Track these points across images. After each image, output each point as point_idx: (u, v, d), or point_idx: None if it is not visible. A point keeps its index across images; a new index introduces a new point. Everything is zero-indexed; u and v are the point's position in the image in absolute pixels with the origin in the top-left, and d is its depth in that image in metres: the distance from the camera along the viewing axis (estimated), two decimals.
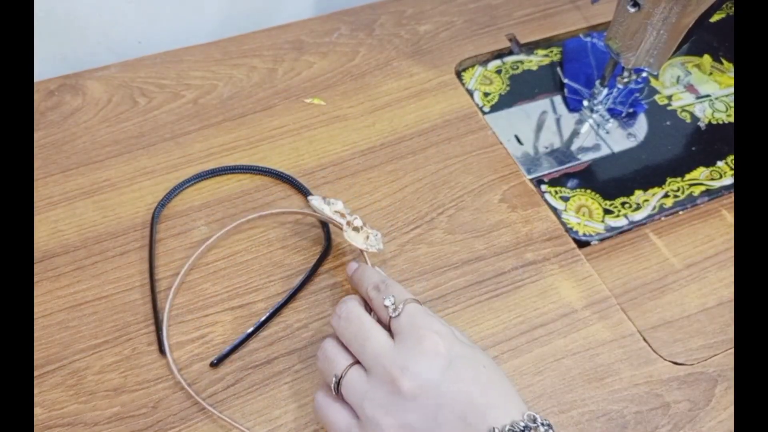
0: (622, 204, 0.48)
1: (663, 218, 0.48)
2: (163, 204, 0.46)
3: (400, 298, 0.34)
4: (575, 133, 0.53)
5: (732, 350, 0.41)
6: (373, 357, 0.32)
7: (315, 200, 0.42)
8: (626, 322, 0.42)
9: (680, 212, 0.48)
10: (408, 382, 0.31)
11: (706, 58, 0.58)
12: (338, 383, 0.33)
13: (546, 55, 0.58)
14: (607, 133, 0.53)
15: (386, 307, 0.34)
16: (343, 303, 0.35)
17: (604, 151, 0.52)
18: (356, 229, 0.41)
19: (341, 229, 0.41)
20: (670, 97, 0.55)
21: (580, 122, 0.54)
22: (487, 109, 0.54)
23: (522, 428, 0.30)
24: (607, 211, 0.48)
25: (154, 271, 0.42)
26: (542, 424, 0.30)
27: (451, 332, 0.33)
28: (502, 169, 0.49)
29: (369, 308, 0.36)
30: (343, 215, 0.41)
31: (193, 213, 0.46)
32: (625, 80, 0.50)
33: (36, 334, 0.40)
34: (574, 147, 0.52)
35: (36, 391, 0.38)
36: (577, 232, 0.46)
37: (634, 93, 0.55)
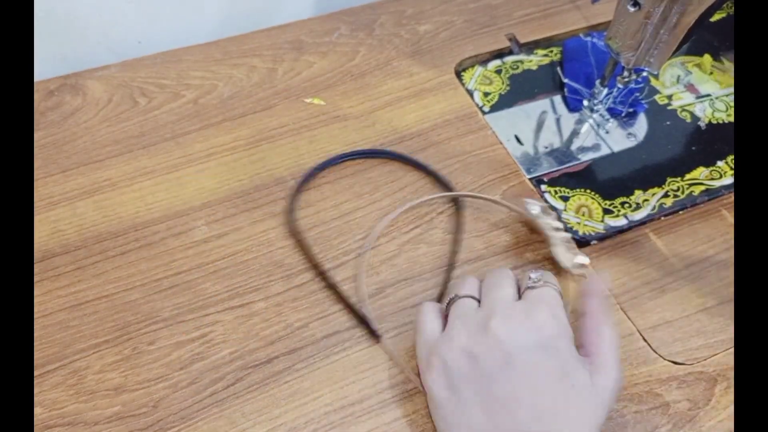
0: (622, 204, 0.48)
1: (663, 218, 0.48)
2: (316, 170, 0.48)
3: (546, 279, 0.36)
4: (575, 133, 0.53)
5: (731, 350, 0.41)
6: (491, 298, 0.35)
7: (534, 207, 0.44)
8: (626, 322, 0.42)
9: (680, 212, 0.48)
10: (497, 324, 0.33)
11: (707, 58, 0.58)
12: (453, 299, 0.36)
13: (546, 55, 0.58)
14: (607, 132, 0.53)
15: (530, 278, 0.36)
16: (496, 269, 0.39)
17: (604, 151, 0.52)
18: (567, 248, 0.42)
19: (551, 242, 0.43)
20: (670, 97, 0.55)
21: (580, 122, 0.54)
22: (487, 109, 0.54)
23: None
24: (606, 211, 0.48)
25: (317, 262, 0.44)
26: None
27: (567, 332, 0.34)
28: (502, 169, 0.49)
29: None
30: (557, 230, 0.43)
31: (194, 213, 0.46)
32: (625, 80, 0.50)
33: (36, 334, 0.40)
34: (574, 147, 0.52)
35: (36, 390, 0.38)
36: (576, 232, 0.46)
37: (634, 93, 0.55)
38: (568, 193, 0.49)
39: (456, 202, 0.47)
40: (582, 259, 0.42)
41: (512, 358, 0.32)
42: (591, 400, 0.33)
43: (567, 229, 0.46)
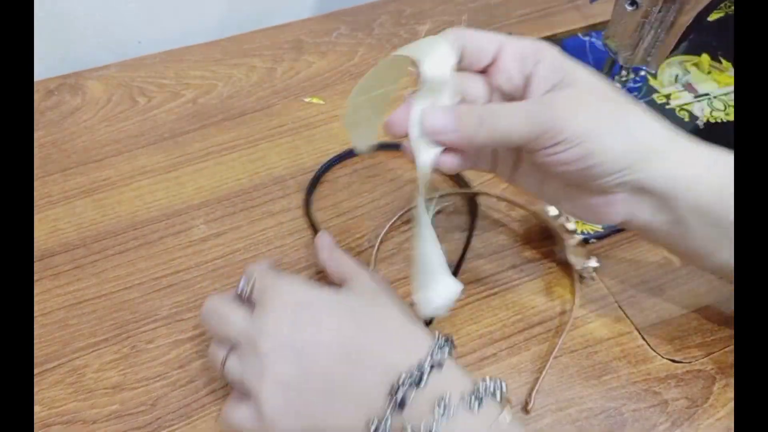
0: None
1: None
2: (326, 168, 0.49)
3: (250, 276, 0.35)
4: None
5: (729, 348, 0.41)
6: (235, 335, 0.33)
7: (550, 209, 0.44)
8: (624, 320, 0.42)
9: None
10: (265, 343, 0.32)
11: (705, 57, 0.59)
12: (223, 373, 0.34)
13: None
14: None
15: (243, 291, 0.35)
16: (203, 306, 0.36)
17: None
18: (578, 250, 0.43)
19: (564, 242, 0.43)
20: (668, 96, 0.55)
21: None
22: None
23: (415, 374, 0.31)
24: None
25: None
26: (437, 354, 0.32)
27: (302, 283, 0.34)
28: None
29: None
30: (569, 232, 0.43)
31: (192, 212, 0.46)
32: (623, 79, 0.50)
33: (36, 332, 0.40)
34: None
35: (36, 389, 0.38)
36: (575, 230, 0.46)
37: (632, 92, 0.55)
38: None
39: (472, 200, 0.47)
40: (594, 262, 0.42)
41: (293, 342, 0.32)
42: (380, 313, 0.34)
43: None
